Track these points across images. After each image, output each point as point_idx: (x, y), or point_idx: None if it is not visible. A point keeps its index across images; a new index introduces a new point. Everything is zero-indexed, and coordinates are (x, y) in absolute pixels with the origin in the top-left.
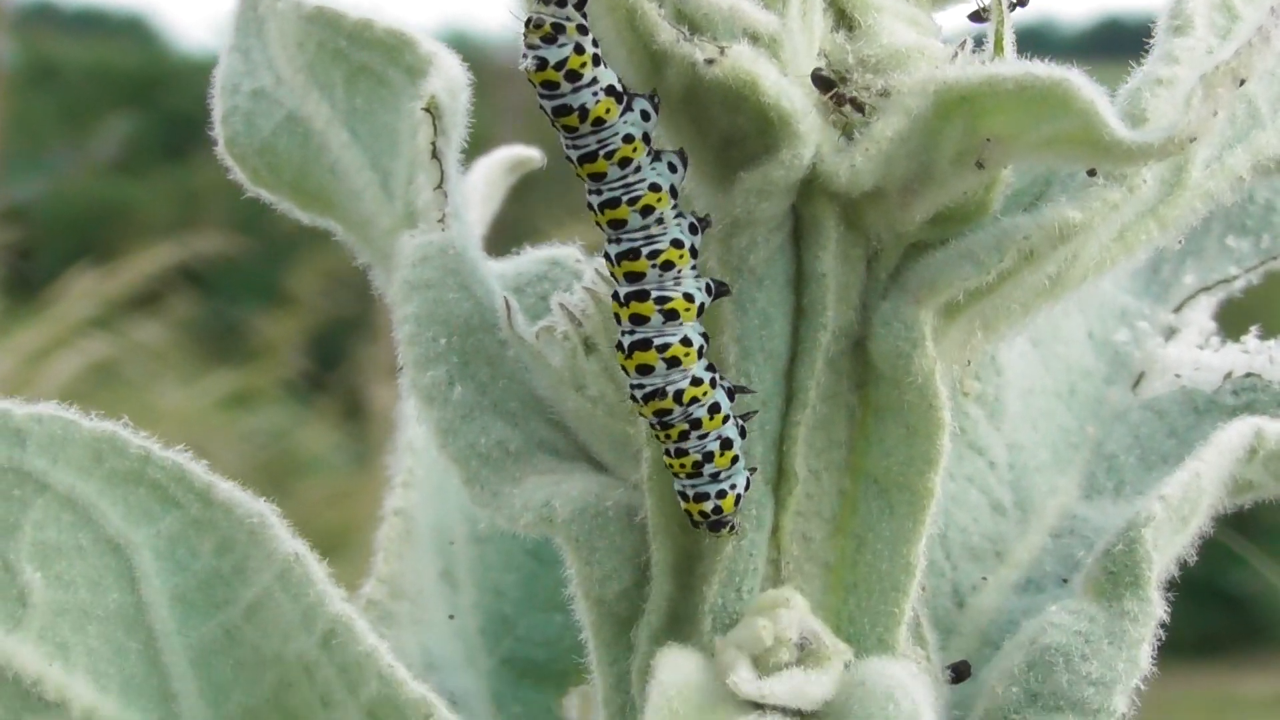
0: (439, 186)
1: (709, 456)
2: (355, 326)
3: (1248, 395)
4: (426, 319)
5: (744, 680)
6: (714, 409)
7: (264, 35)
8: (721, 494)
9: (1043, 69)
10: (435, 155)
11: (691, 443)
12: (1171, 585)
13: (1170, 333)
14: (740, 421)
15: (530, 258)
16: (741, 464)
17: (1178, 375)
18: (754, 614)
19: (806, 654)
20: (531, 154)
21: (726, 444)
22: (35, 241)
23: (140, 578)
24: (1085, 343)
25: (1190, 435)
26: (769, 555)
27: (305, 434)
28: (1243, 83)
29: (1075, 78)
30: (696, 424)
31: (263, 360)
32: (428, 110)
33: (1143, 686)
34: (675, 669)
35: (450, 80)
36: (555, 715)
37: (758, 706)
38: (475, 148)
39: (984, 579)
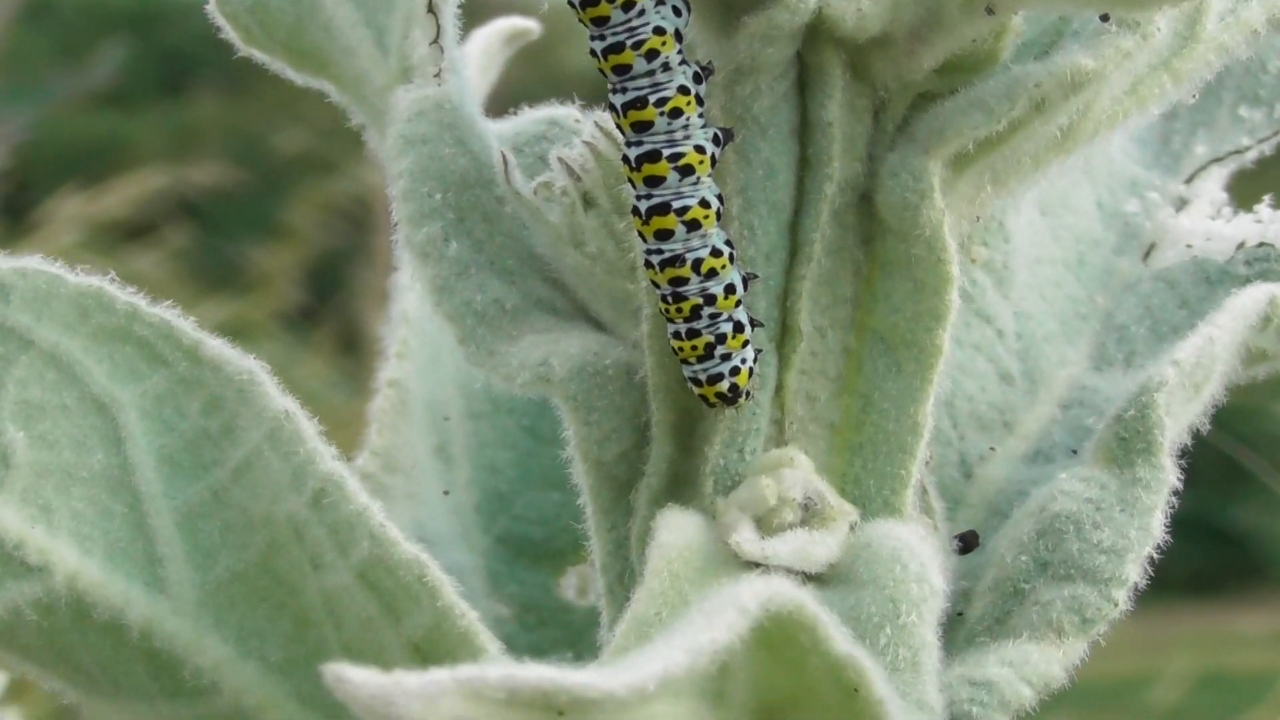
0: (435, 41)
1: (721, 338)
2: (351, 258)
3: (1261, 265)
4: (421, 174)
5: (747, 540)
6: (730, 289)
7: None
8: (735, 370)
9: None
10: (431, 9)
11: (704, 321)
12: (1167, 523)
13: (1181, 204)
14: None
15: (528, 117)
16: (750, 344)
17: (1189, 246)
18: (757, 474)
19: (811, 515)
20: (529, 25)
21: (739, 327)
22: (29, 173)
23: (126, 438)
24: (1094, 213)
25: (1202, 306)
26: (772, 415)
27: (301, 367)
28: None
29: None
30: (711, 300)
31: (258, 293)
32: None
33: (1135, 624)
34: (676, 530)
35: None
36: (552, 595)
37: (761, 568)
38: None
39: (991, 449)
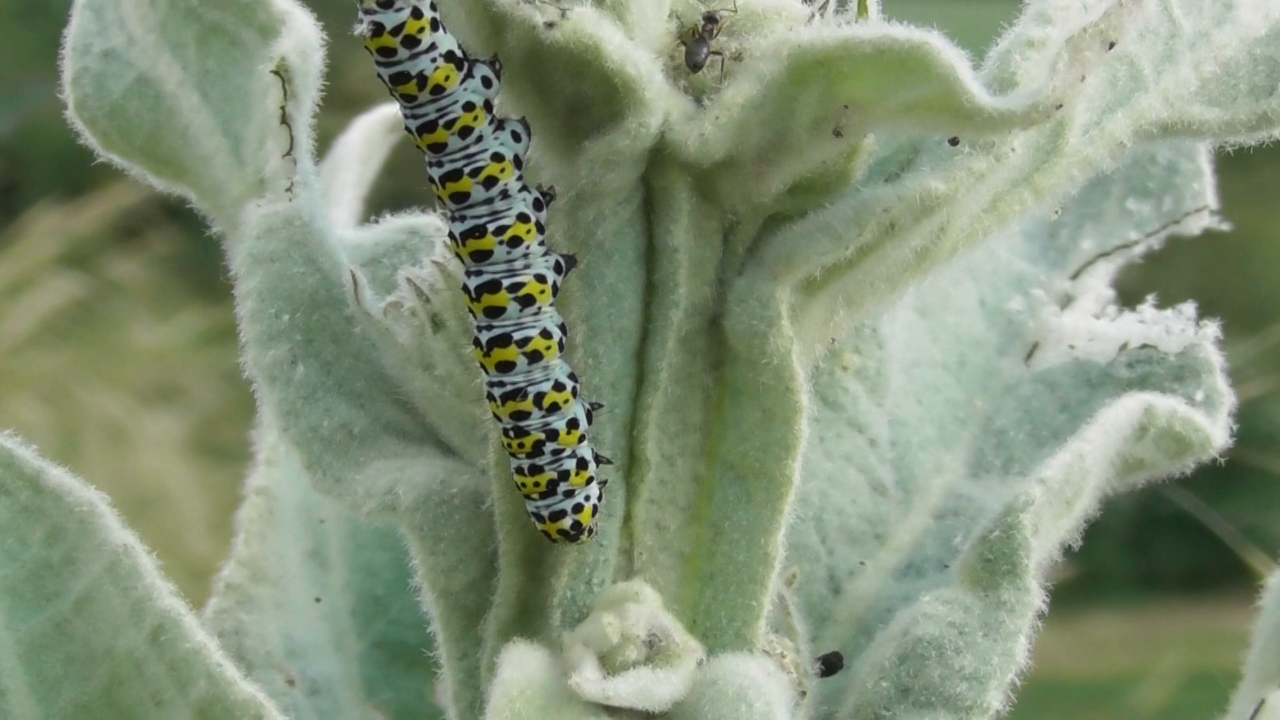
0: (288, 153)
1: (564, 475)
2: None
3: (1143, 368)
4: (270, 294)
5: (587, 681)
6: (573, 424)
7: None
8: (578, 508)
9: (901, 31)
10: (285, 120)
11: (546, 458)
12: (1158, 521)
13: (1067, 300)
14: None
15: (388, 226)
16: (595, 480)
17: (1072, 346)
18: (602, 609)
19: (656, 652)
20: None
21: (582, 464)
22: (15, 177)
23: None
24: (977, 311)
25: (1083, 410)
26: (621, 545)
27: None
28: (1112, 45)
29: (935, 41)
30: (553, 435)
31: None
32: (277, 73)
33: (1126, 623)
34: (519, 667)
35: (302, 41)
36: (427, 701)
37: (605, 707)
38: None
39: (862, 563)
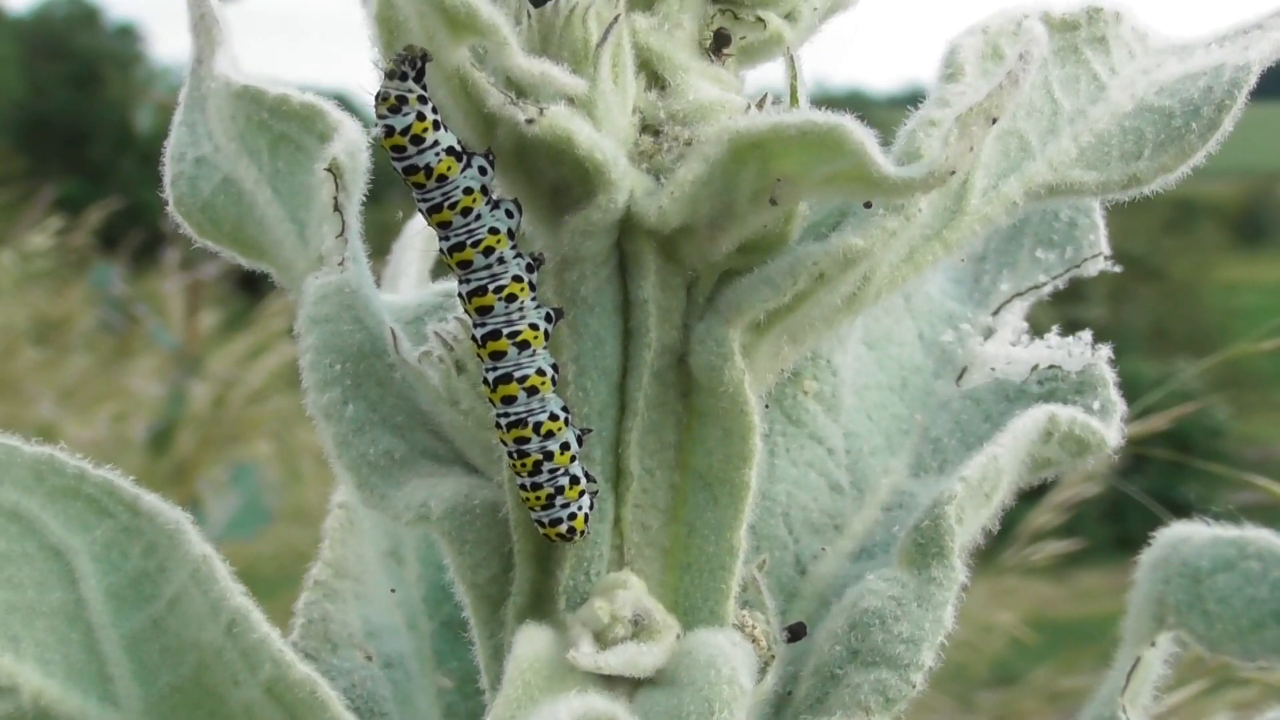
0: (340, 234)
1: (559, 490)
2: None
3: (1050, 384)
4: (324, 348)
5: (582, 654)
6: (565, 446)
7: (205, 110)
8: (572, 516)
9: (821, 116)
10: (337, 208)
11: (544, 476)
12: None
13: (989, 332)
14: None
15: (429, 290)
16: (586, 493)
17: (993, 369)
18: (597, 595)
19: (640, 629)
20: None
21: (574, 480)
22: (258, 273)
23: (79, 578)
24: (916, 343)
25: (1003, 419)
26: (613, 542)
27: None
28: (995, 121)
29: (849, 123)
30: (549, 456)
31: None
32: (330, 170)
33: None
34: (529, 643)
35: (350, 144)
36: None
37: (601, 676)
38: None
39: (823, 549)
